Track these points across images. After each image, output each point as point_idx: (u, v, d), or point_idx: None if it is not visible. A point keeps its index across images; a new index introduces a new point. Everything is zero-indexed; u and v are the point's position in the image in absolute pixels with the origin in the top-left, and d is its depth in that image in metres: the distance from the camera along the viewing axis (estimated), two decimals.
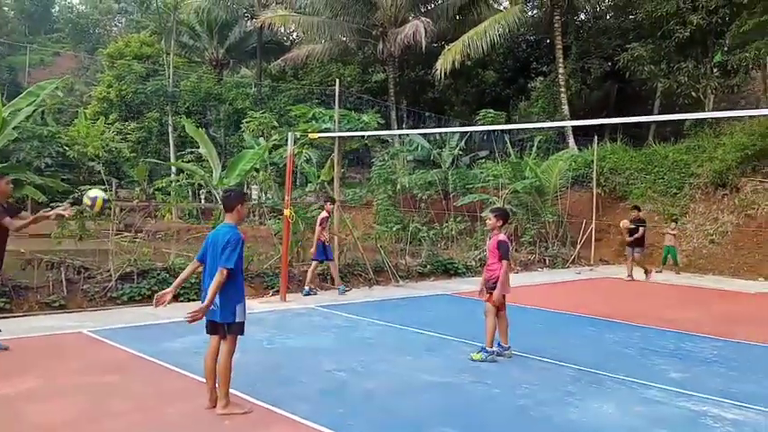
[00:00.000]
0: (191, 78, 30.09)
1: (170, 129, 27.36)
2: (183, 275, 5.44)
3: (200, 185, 21.33)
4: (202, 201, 24.62)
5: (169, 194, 14.37)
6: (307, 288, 11.34)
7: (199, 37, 33.29)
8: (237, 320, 5.14)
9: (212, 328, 5.23)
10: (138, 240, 10.71)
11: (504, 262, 7.04)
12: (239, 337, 5.23)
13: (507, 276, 7.10)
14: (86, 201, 6.80)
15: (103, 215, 10.22)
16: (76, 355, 6.86)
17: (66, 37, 58.07)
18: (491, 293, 7.06)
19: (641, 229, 14.73)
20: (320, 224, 11.26)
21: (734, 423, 5.35)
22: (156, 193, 14.60)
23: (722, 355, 7.86)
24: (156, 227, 18.61)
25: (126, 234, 11.17)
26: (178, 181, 13.03)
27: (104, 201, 6.93)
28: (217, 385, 5.20)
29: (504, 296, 7.13)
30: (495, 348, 7.12)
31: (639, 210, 15.39)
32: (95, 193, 6.85)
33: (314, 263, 11.54)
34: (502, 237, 7.16)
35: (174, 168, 25.00)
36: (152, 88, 27.88)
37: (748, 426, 5.30)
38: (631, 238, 14.77)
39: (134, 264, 10.07)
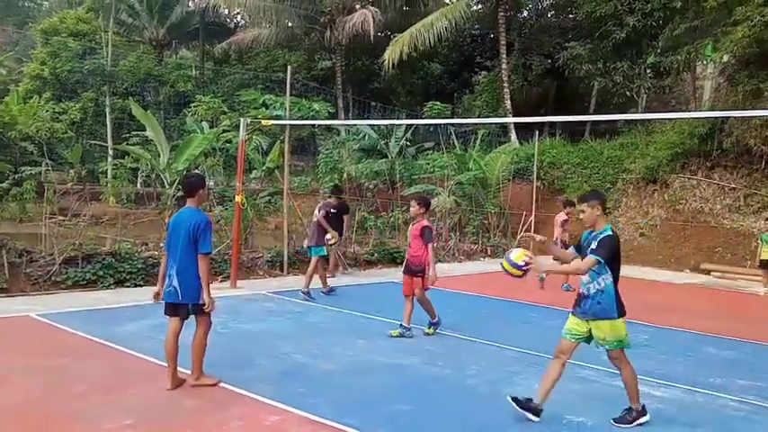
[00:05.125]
0: (129, 58, 29.15)
1: (107, 110, 26.50)
2: (162, 267, 5.47)
3: (136, 170, 20.65)
4: (139, 185, 23.98)
5: (114, 178, 14.02)
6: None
7: (138, 15, 32.24)
8: (201, 302, 5.22)
9: (172, 309, 5.30)
10: (73, 225, 10.44)
11: (429, 246, 7.46)
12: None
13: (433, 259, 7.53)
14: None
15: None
16: (27, 339, 6.76)
17: None
18: (418, 276, 7.52)
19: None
20: (561, 225, 11.95)
21: (661, 400, 5.84)
22: (100, 176, 14.22)
23: (651, 339, 8.44)
24: (93, 211, 18.09)
25: (61, 218, 10.90)
26: (123, 164, 12.71)
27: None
28: (178, 366, 5.31)
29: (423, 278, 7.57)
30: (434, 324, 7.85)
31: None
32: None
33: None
34: (426, 222, 7.58)
35: (110, 151, 24.24)
36: (89, 67, 26.88)
37: (674, 402, 5.80)
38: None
39: (78, 248, 9.88)
